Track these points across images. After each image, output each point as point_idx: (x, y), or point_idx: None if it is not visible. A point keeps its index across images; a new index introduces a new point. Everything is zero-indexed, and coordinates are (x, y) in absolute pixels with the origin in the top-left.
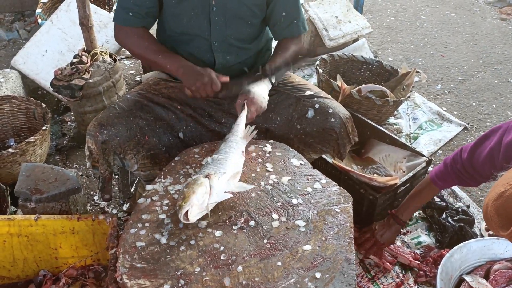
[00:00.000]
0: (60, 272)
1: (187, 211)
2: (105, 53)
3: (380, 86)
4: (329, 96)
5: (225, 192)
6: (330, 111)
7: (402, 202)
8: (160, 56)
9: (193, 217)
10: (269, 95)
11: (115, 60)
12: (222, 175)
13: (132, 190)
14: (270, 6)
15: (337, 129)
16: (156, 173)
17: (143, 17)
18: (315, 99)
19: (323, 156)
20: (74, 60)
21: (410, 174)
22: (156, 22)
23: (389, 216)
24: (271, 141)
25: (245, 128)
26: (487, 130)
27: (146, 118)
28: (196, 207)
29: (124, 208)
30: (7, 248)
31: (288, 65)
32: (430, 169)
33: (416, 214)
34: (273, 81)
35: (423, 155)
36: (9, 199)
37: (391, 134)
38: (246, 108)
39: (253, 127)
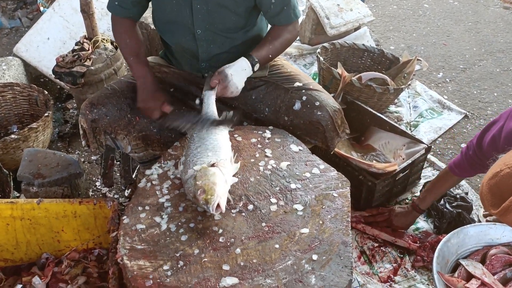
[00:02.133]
0: (62, 255)
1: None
2: (106, 40)
3: (381, 74)
4: (319, 88)
5: (232, 176)
6: (317, 103)
7: (422, 191)
8: (132, 58)
9: (224, 208)
10: (259, 85)
11: (116, 48)
12: (225, 161)
13: (133, 176)
14: None
15: (323, 122)
16: (150, 154)
17: (129, 7)
18: (303, 91)
19: None
20: (76, 47)
21: (409, 161)
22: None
23: (409, 204)
24: (271, 127)
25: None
26: (496, 116)
27: None
28: (224, 197)
29: (126, 194)
30: (10, 231)
31: (276, 54)
32: (429, 156)
33: None
34: (256, 69)
35: (422, 142)
36: (12, 184)
37: (391, 122)
38: (215, 91)
39: (231, 112)
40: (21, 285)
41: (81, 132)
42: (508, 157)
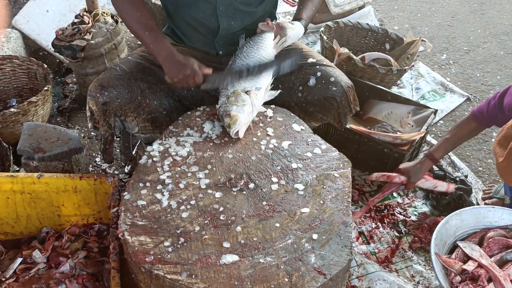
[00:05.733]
0: (62, 230)
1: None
2: (106, 14)
3: (384, 54)
4: (332, 64)
5: (262, 106)
6: (332, 79)
7: (437, 142)
8: (147, 32)
9: (242, 135)
10: None
11: (116, 22)
12: (259, 91)
13: (133, 152)
14: None
15: (338, 98)
16: (157, 136)
17: None
18: (317, 67)
19: None
20: (76, 20)
21: (425, 126)
22: None
23: (423, 156)
24: (273, 106)
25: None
26: None
27: (148, 80)
28: (245, 126)
29: (126, 170)
30: (10, 205)
31: (317, 9)
32: (429, 139)
33: None
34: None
35: (427, 107)
36: (11, 158)
37: (391, 92)
38: (274, 26)
39: (284, 39)
40: (21, 259)
41: (88, 114)
42: None
